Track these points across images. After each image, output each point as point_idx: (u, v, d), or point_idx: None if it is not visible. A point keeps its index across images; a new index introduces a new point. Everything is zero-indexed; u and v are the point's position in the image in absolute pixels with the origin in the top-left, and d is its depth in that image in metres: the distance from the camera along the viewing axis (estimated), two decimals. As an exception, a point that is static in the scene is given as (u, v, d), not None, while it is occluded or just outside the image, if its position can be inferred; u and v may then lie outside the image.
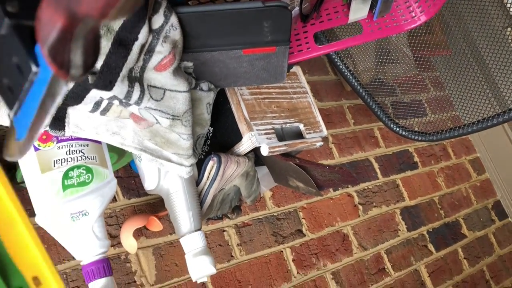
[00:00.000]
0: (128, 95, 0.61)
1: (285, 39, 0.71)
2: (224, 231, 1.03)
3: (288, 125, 0.87)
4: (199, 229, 0.75)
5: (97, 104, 0.63)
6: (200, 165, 0.80)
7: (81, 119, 0.66)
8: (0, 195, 0.42)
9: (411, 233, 1.40)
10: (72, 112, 0.64)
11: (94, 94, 0.61)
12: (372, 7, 0.83)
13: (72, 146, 0.68)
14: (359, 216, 1.29)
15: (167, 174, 0.75)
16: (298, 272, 1.10)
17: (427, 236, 1.44)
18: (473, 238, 1.58)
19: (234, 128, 0.82)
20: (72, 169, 0.67)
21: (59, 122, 0.64)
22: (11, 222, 0.42)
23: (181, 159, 0.73)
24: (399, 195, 1.43)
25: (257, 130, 0.81)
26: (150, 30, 0.61)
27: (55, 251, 0.82)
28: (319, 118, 0.93)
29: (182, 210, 0.74)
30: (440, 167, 1.63)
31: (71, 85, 0.56)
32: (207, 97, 0.76)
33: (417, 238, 1.41)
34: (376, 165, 1.43)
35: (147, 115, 0.65)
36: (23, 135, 0.39)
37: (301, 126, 0.89)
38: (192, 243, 0.74)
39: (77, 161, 0.68)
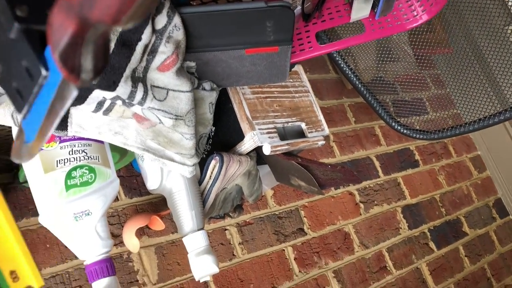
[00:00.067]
0: (132, 95, 0.61)
1: (288, 39, 0.71)
2: (226, 230, 1.03)
3: (290, 124, 0.87)
4: (202, 228, 0.75)
5: (100, 104, 0.63)
6: (202, 164, 0.81)
7: (83, 119, 0.66)
8: None
9: (412, 231, 1.40)
10: (75, 112, 0.65)
11: (97, 94, 0.61)
12: (374, 6, 0.82)
13: (74, 146, 0.68)
14: (360, 214, 1.29)
15: (169, 174, 0.75)
16: (299, 271, 1.10)
17: (428, 234, 1.44)
18: (474, 236, 1.58)
19: (236, 127, 0.82)
20: (75, 169, 0.67)
21: (61, 122, 0.64)
22: None
23: (184, 158, 0.73)
24: (400, 193, 1.43)
25: (259, 129, 0.81)
26: (153, 30, 0.61)
27: (57, 250, 0.82)
28: (321, 117, 0.93)
29: (184, 209, 0.75)
30: (441, 165, 1.63)
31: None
32: (210, 97, 0.76)
33: (418, 236, 1.41)
34: (377, 163, 1.43)
35: (150, 115, 0.65)
36: (32, 138, 0.39)
37: (303, 125, 0.89)
38: (195, 243, 0.74)
39: (79, 161, 0.68)
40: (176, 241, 0.95)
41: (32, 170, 0.66)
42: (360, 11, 0.83)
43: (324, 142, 0.89)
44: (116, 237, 0.88)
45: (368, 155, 1.42)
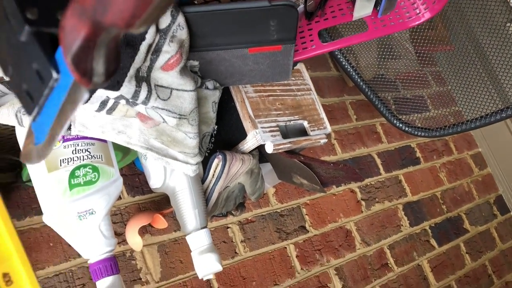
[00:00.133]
0: (136, 94, 0.61)
1: (291, 38, 0.71)
2: (228, 228, 1.03)
3: (292, 122, 0.87)
4: (205, 227, 0.75)
5: (104, 103, 0.63)
6: (205, 163, 0.81)
7: (87, 118, 0.66)
8: None
9: (413, 228, 1.40)
10: (78, 111, 0.65)
11: (101, 94, 0.61)
12: (376, 4, 0.82)
13: (78, 145, 0.68)
14: (362, 212, 1.30)
15: (173, 172, 0.75)
16: (301, 268, 1.11)
17: (429, 231, 1.44)
18: (475, 233, 1.58)
19: (238, 125, 0.82)
20: (78, 168, 0.67)
21: (65, 121, 0.64)
22: None
23: (187, 157, 0.73)
24: (401, 191, 1.44)
25: (261, 127, 0.81)
26: (157, 29, 0.61)
27: (61, 249, 0.83)
28: (323, 115, 0.93)
29: (188, 208, 0.75)
30: (442, 162, 1.63)
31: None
32: (213, 96, 0.76)
33: (419, 233, 1.41)
34: (378, 161, 1.43)
35: (154, 114, 0.65)
36: (42, 139, 0.39)
37: (305, 123, 0.89)
38: (198, 241, 0.74)
39: (83, 160, 0.68)
40: (179, 239, 0.95)
41: (36, 170, 0.66)
42: (362, 9, 0.83)
43: (326, 140, 0.89)
44: (119, 236, 0.88)
45: (370, 153, 1.42)
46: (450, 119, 1.21)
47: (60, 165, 0.66)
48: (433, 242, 1.43)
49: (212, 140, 0.86)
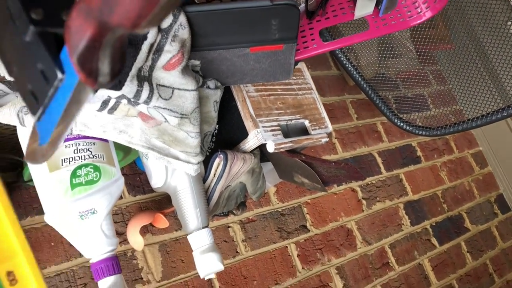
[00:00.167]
0: (138, 94, 0.61)
1: (293, 37, 0.71)
2: (229, 227, 1.03)
3: (293, 121, 0.87)
4: (207, 226, 0.75)
5: (105, 103, 0.63)
6: (206, 162, 0.81)
7: (88, 117, 0.66)
8: None
9: (414, 227, 1.40)
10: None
11: (102, 93, 0.61)
12: (378, 3, 0.82)
13: (79, 144, 0.68)
14: (363, 211, 1.30)
15: (174, 172, 0.75)
16: (303, 267, 1.11)
17: (430, 230, 1.44)
18: (476, 232, 1.58)
19: (240, 125, 0.82)
20: (80, 167, 0.67)
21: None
22: None
23: (189, 157, 0.73)
24: (402, 190, 1.44)
25: (263, 127, 0.81)
26: (159, 29, 0.61)
27: (62, 248, 0.83)
28: (324, 114, 0.93)
29: (189, 207, 0.75)
30: (443, 161, 1.63)
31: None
32: (214, 95, 0.76)
33: (420, 232, 1.41)
34: (379, 160, 1.43)
35: (155, 114, 0.65)
36: (46, 140, 0.39)
37: (307, 123, 0.89)
38: (200, 240, 0.74)
39: (84, 159, 0.68)
40: (180, 239, 0.95)
41: (37, 169, 0.66)
42: (363, 8, 0.83)
43: (327, 139, 0.89)
44: (120, 235, 0.88)
45: (370, 152, 1.42)
46: (451, 118, 1.21)
47: (62, 165, 0.66)
48: (434, 241, 1.43)
49: (213, 140, 0.86)
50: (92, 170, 0.68)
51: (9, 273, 0.35)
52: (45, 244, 0.82)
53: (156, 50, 0.62)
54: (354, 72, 1.23)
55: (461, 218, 1.57)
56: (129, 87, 0.59)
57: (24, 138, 0.66)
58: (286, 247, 1.10)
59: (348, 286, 1.16)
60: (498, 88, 1.23)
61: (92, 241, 0.68)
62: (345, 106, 1.44)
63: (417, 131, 1.22)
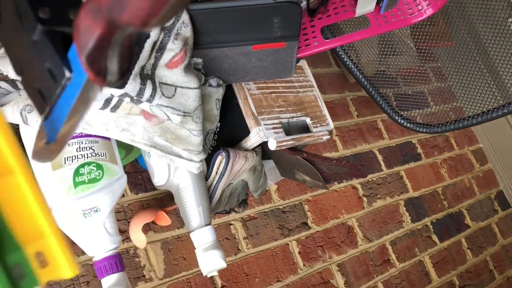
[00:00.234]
0: (140, 92, 0.61)
1: (295, 35, 0.71)
2: (230, 224, 1.03)
3: (294, 119, 0.87)
4: (209, 224, 0.76)
5: (108, 101, 0.63)
6: (208, 160, 0.81)
7: (90, 116, 0.66)
8: None
9: (415, 224, 1.41)
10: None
11: (105, 91, 0.61)
12: (379, 1, 0.83)
13: (82, 143, 0.68)
14: (363, 208, 1.30)
15: (177, 170, 0.75)
16: (304, 265, 1.11)
17: (431, 227, 1.45)
18: (476, 229, 1.59)
19: (241, 123, 0.82)
20: (82, 166, 0.67)
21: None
22: (7, 174, 0.32)
23: (191, 155, 0.73)
24: (403, 187, 1.44)
25: (264, 124, 0.81)
26: (162, 27, 0.61)
27: (64, 246, 0.83)
28: (325, 111, 0.94)
29: (192, 205, 0.75)
30: (443, 158, 1.63)
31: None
32: (216, 93, 0.77)
33: (421, 229, 1.41)
34: (380, 157, 1.43)
35: (158, 112, 0.66)
36: (54, 138, 0.39)
37: (308, 120, 0.90)
38: (202, 238, 0.74)
39: (87, 158, 0.68)
40: (182, 236, 0.95)
41: (40, 168, 0.66)
42: (365, 6, 0.83)
43: (329, 136, 0.90)
44: (123, 233, 0.88)
45: (371, 149, 1.42)
46: (451, 115, 1.21)
47: (65, 163, 0.66)
48: (434, 238, 1.44)
49: (215, 138, 0.86)
50: (95, 168, 0.68)
51: (39, 254, 0.32)
52: (48, 242, 0.82)
53: (159, 48, 0.62)
54: (355, 70, 1.23)
55: (461, 215, 1.57)
56: (132, 85, 0.59)
57: (27, 136, 0.66)
58: (288, 244, 1.10)
59: (349, 283, 1.17)
60: (498, 85, 1.23)
61: (95, 239, 0.68)
62: (346, 104, 1.44)
63: (417, 128, 1.22)
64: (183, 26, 0.63)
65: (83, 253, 0.83)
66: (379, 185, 1.37)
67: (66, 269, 0.32)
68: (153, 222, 0.90)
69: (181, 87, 0.66)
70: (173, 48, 0.63)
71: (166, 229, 0.94)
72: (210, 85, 0.75)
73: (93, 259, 0.68)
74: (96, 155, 0.69)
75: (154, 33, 0.60)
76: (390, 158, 1.46)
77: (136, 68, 0.60)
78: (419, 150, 1.57)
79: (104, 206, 0.68)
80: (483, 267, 1.53)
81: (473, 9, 1.22)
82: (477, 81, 1.21)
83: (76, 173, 0.66)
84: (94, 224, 0.67)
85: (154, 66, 0.63)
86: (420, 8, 0.85)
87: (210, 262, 0.73)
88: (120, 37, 0.28)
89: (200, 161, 0.75)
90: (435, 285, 1.36)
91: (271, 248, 1.07)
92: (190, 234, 0.75)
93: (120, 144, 0.75)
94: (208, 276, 0.78)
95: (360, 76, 1.23)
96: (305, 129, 0.90)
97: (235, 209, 0.95)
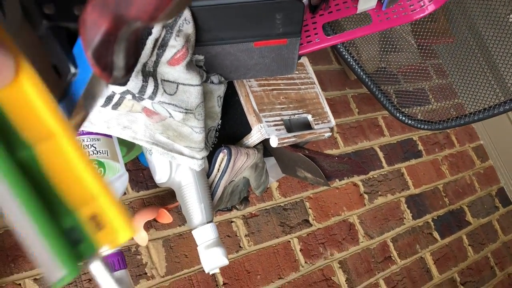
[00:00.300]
0: (142, 89, 0.61)
1: (297, 31, 0.71)
2: (232, 222, 1.03)
3: (296, 116, 0.87)
4: (211, 221, 0.75)
5: (109, 99, 0.63)
6: (210, 158, 0.81)
7: (92, 113, 0.66)
8: (37, 106, 0.30)
9: (416, 221, 1.41)
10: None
11: (109, 88, 0.61)
12: (380, -3, 0.82)
13: (83, 140, 0.68)
14: (364, 205, 1.30)
15: (178, 167, 0.75)
16: (305, 262, 1.11)
17: (432, 224, 1.45)
18: (477, 225, 1.59)
19: (243, 120, 0.82)
20: (84, 163, 0.67)
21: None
22: (48, 137, 0.30)
23: (193, 152, 0.73)
24: (404, 184, 1.44)
25: (266, 121, 0.81)
26: (163, 24, 0.61)
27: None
28: (327, 108, 0.93)
29: (194, 202, 0.75)
30: (444, 155, 1.63)
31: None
32: (218, 90, 0.76)
33: (422, 226, 1.41)
34: (380, 154, 1.43)
35: (160, 109, 0.65)
36: None
37: (309, 117, 0.89)
38: (204, 235, 0.74)
39: (89, 155, 0.68)
40: (184, 234, 0.95)
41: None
42: (367, 2, 0.83)
43: (330, 133, 0.89)
44: (124, 231, 0.88)
45: (372, 146, 1.42)
46: (452, 112, 1.21)
47: (66, 161, 0.66)
48: (435, 234, 1.44)
49: (217, 135, 0.86)
50: (96, 166, 0.68)
51: (94, 217, 0.30)
52: (50, 240, 0.81)
53: (161, 45, 0.62)
54: (356, 66, 1.23)
55: (462, 212, 1.57)
56: (134, 82, 0.59)
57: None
58: (289, 241, 1.10)
59: (350, 280, 1.17)
60: (499, 81, 1.22)
61: (97, 237, 0.68)
62: (347, 101, 1.44)
63: (418, 125, 1.22)
64: (185, 22, 0.63)
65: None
66: (380, 182, 1.37)
67: (123, 230, 0.30)
68: (154, 219, 0.90)
69: (183, 84, 0.66)
70: (175, 45, 0.62)
71: (168, 227, 0.94)
72: (212, 82, 0.75)
73: (95, 257, 0.68)
74: (97, 153, 0.69)
75: (156, 30, 0.59)
76: (391, 155, 1.46)
77: (138, 65, 0.59)
78: (420, 147, 1.57)
79: (106, 203, 0.68)
80: (484, 263, 1.53)
81: (474, 6, 1.21)
82: (478, 78, 1.21)
83: (78, 170, 0.66)
84: (96, 222, 0.67)
85: (156, 63, 0.63)
86: (422, 4, 0.85)
87: (212, 259, 0.73)
88: (126, 32, 0.28)
89: (202, 158, 0.75)
90: (436, 281, 1.36)
91: (273, 245, 1.07)
92: (192, 232, 0.75)
93: (122, 142, 0.75)
94: (210, 273, 0.77)
95: (361, 73, 1.23)
96: (306, 126, 0.89)
97: (237, 206, 0.95)
